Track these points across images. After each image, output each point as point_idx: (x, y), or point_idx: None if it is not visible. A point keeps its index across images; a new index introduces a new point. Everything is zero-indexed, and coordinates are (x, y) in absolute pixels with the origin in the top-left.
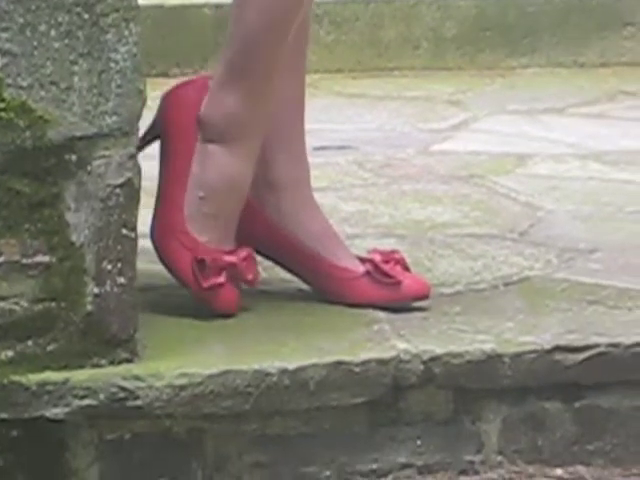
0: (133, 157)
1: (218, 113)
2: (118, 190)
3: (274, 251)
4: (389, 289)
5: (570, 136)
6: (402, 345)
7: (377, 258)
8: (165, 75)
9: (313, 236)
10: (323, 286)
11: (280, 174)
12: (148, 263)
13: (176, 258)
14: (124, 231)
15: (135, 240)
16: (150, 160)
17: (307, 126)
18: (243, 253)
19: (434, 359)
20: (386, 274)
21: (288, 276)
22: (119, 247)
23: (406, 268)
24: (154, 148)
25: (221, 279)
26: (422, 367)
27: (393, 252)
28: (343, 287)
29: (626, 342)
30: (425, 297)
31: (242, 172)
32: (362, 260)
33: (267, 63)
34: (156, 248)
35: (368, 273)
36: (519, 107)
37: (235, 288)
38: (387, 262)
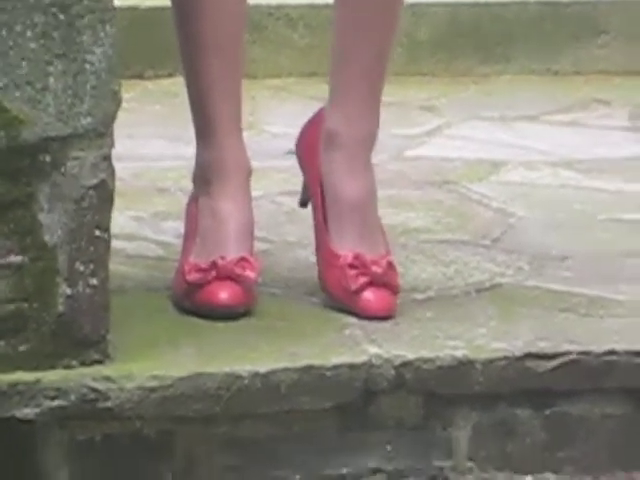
0: (107, 158)
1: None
2: (92, 191)
3: (310, 196)
4: (346, 294)
5: (543, 143)
6: (373, 350)
7: (348, 260)
8: (140, 77)
9: (337, 203)
10: (317, 255)
11: (336, 130)
12: (120, 265)
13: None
14: (97, 232)
15: (108, 241)
16: (123, 162)
17: (281, 129)
18: (233, 257)
19: (405, 364)
20: (345, 278)
21: (260, 280)
22: (92, 248)
23: (384, 283)
24: (126, 148)
25: (197, 277)
26: (393, 372)
27: (374, 262)
28: (322, 268)
29: (597, 350)
30: (376, 317)
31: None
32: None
33: None
34: None
35: (340, 267)
36: (492, 114)
37: (230, 286)
38: (354, 267)
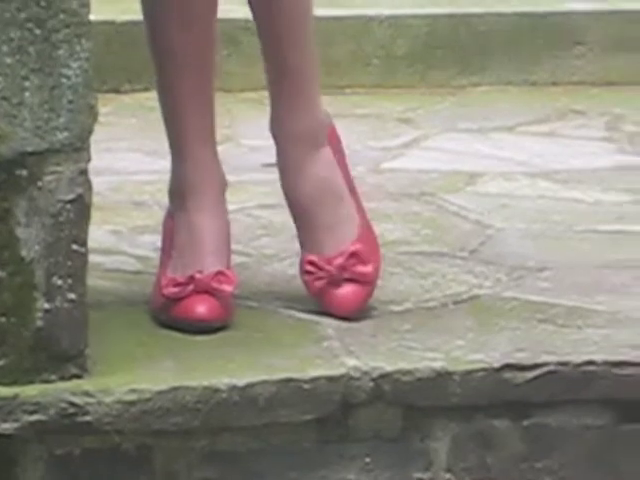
0: (84, 173)
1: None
2: (69, 206)
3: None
4: (317, 298)
5: (520, 154)
6: (351, 362)
7: (303, 266)
8: (116, 91)
9: (290, 207)
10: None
11: (281, 126)
12: (98, 279)
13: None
14: (74, 247)
15: (85, 256)
16: (101, 176)
17: (257, 142)
18: (212, 270)
19: (383, 376)
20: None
21: (237, 292)
22: (69, 263)
23: (345, 280)
24: (103, 162)
25: (174, 291)
26: (371, 384)
27: (329, 261)
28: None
29: (575, 360)
30: (347, 316)
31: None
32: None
33: None
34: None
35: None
36: (470, 125)
37: (207, 300)
38: (309, 273)
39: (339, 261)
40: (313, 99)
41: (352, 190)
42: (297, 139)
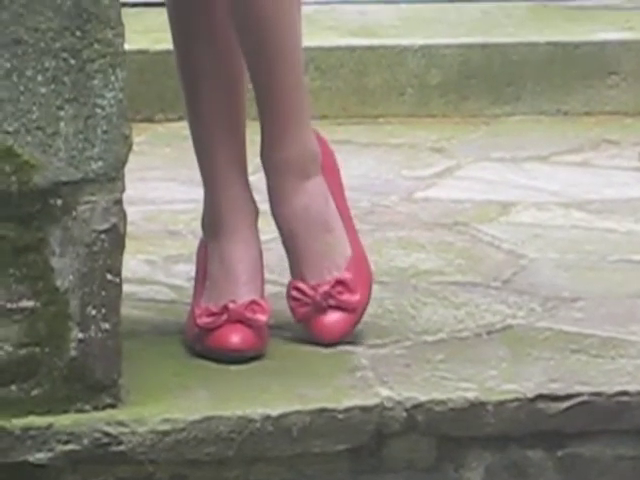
0: (118, 202)
1: None
2: (103, 235)
3: None
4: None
5: (554, 184)
6: (385, 392)
7: (288, 292)
8: (150, 120)
9: (284, 228)
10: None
11: (268, 155)
12: (132, 309)
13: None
14: (109, 276)
15: (120, 286)
16: (135, 205)
17: None
18: (245, 300)
19: (417, 406)
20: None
21: (271, 322)
22: (104, 293)
23: (330, 307)
24: (137, 191)
25: (208, 320)
26: (405, 414)
27: (314, 287)
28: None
29: (609, 391)
30: (330, 343)
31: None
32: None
33: None
34: None
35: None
36: (503, 155)
37: (241, 329)
38: (294, 299)
39: (324, 288)
40: (301, 130)
41: (347, 222)
42: (284, 169)
